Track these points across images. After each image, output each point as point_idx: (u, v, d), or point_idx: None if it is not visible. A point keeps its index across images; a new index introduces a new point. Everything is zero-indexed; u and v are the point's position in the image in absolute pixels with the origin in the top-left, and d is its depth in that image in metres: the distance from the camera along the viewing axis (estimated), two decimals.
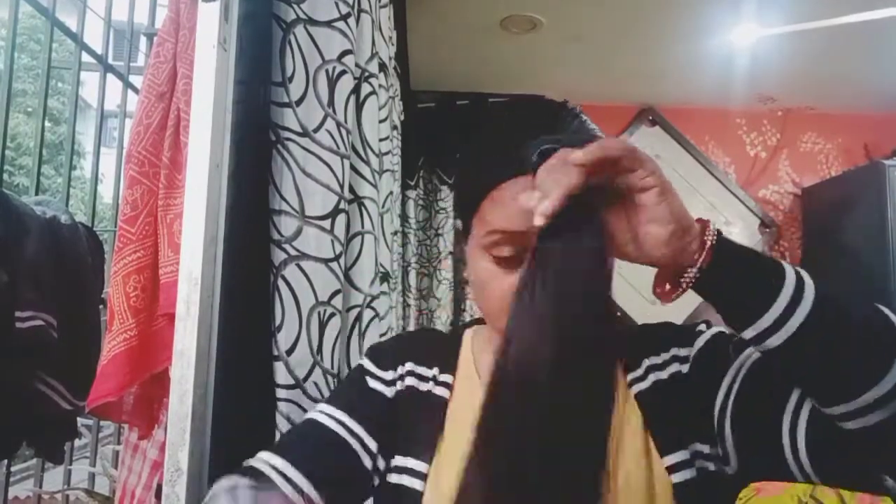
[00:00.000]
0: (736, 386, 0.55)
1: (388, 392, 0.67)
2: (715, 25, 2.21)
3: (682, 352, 0.62)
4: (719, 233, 0.49)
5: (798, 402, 0.51)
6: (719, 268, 0.48)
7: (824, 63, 2.49)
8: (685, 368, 0.61)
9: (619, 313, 2.45)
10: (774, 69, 2.52)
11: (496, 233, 0.58)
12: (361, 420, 0.64)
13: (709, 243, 0.48)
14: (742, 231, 2.94)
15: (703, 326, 0.64)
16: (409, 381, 0.67)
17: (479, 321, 0.74)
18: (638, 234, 0.49)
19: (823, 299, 0.47)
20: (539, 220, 0.46)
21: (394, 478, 0.62)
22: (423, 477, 0.60)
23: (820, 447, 0.49)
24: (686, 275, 0.49)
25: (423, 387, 0.66)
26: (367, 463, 0.63)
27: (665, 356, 0.62)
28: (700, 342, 0.61)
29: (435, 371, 0.67)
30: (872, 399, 0.45)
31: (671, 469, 0.57)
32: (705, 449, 0.57)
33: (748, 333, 0.48)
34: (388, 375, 0.68)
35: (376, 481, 0.63)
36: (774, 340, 0.47)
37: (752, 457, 0.55)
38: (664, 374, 0.61)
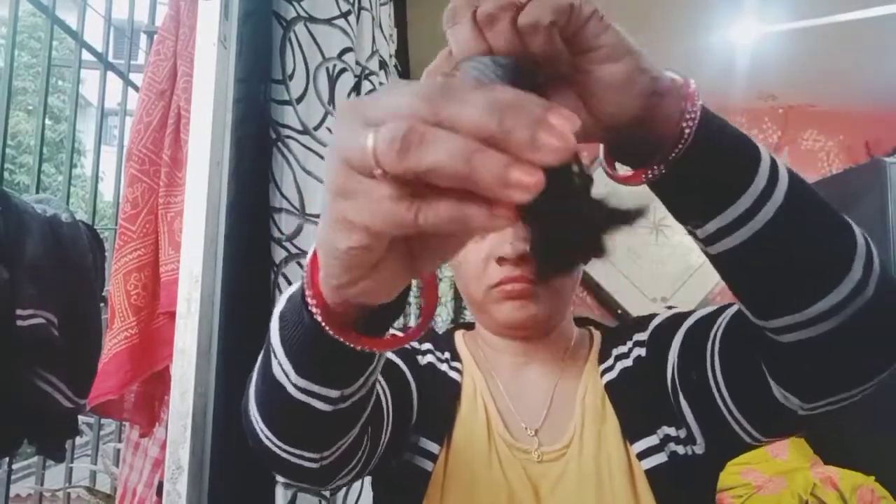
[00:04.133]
0: (676, 358, 0.55)
1: (419, 358, 0.67)
2: (716, 22, 2.20)
3: (641, 336, 0.63)
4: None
5: (711, 348, 0.50)
6: (701, 146, 0.36)
7: (825, 60, 2.48)
8: (643, 351, 0.62)
9: (619, 311, 2.47)
10: (775, 66, 2.52)
11: None
12: (409, 368, 0.63)
13: (696, 112, 0.36)
14: None
15: (661, 311, 0.65)
16: (430, 357, 0.67)
17: (464, 326, 0.75)
18: (591, 93, 0.35)
19: (794, 185, 0.38)
20: None
21: (406, 455, 0.61)
22: (433, 458, 0.60)
23: (737, 379, 0.49)
24: (659, 153, 0.36)
25: (441, 367, 0.67)
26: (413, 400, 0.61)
27: (629, 343, 0.64)
28: (654, 323, 0.63)
29: (447, 356, 0.68)
30: (828, 307, 0.38)
31: (641, 455, 0.57)
32: (672, 431, 0.57)
33: (709, 227, 0.38)
34: (416, 345, 0.68)
35: (393, 462, 0.61)
36: (737, 237, 0.38)
37: (708, 427, 0.54)
38: (629, 362, 0.63)
